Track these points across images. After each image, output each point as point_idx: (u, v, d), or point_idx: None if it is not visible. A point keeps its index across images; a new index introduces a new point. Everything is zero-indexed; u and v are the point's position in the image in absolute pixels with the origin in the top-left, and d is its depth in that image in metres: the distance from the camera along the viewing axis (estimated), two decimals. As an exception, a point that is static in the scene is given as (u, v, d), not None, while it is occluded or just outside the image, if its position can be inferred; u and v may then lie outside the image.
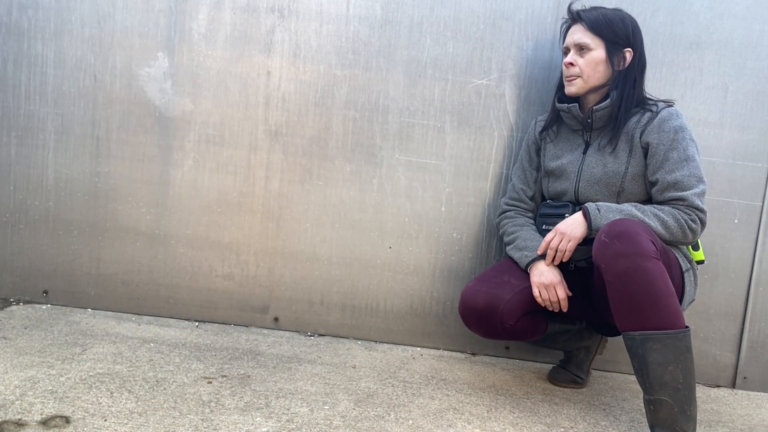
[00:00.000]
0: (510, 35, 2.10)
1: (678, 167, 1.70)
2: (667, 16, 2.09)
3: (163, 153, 2.15)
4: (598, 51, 1.79)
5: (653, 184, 1.75)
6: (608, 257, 1.53)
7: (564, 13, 2.05)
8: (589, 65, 1.79)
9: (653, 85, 2.07)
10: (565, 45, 1.86)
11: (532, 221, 1.99)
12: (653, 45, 2.08)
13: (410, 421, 1.57)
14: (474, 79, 2.12)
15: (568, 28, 1.87)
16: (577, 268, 1.89)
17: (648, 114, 1.78)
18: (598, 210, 1.68)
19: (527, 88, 2.12)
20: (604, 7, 1.82)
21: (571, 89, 1.82)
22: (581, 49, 1.80)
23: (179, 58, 2.11)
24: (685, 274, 1.73)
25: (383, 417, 1.58)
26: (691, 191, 1.68)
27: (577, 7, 1.86)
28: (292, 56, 2.12)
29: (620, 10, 1.82)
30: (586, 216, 1.69)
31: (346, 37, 2.11)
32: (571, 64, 1.81)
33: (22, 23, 2.09)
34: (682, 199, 1.68)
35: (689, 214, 1.68)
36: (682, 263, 1.73)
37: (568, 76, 1.83)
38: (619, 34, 1.79)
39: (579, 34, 1.80)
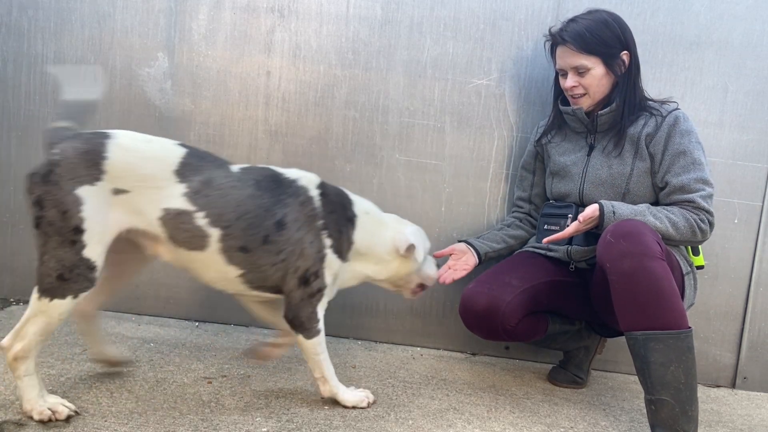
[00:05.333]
0: (510, 35, 2.10)
1: (685, 171, 1.71)
2: (667, 16, 2.09)
3: (163, 153, 2.14)
4: (596, 68, 1.76)
5: (662, 188, 1.75)
6: (613, 256, 1.53)
7: (564, 14, 2.05)
8: (592, 83, 1.77)
9: (653, 86, 2.06)
10: (558, 67, 1.83)
11: (512, 221, 2.05)
12: (653, 45, 2.08)
13: (410, 421, 1.57)
14: (474, 79, 2.12)
15: (552, 46, 1.84)
16: (576, 269, 1.89)
17: (654, 119, 1.78)
18: (614, 213, 1.65)
19: (527, 88, 2.12)
20: (581, 18, 1.77)
21: (582, 105, 1.81)
22: (579, 71, 1.77)
23: (179, 58, 2.11)
24: (686, 277, 1.73)
25: (383, 417, 1.58)
26: (698, 194, 1.69)
27: (557, 27, 1.81)
28: (292, 56, 2.11)
29: (598, 12, 1.78)
30: (601, 216, 1.66)
31: (346, 37, 2.11)
32: (574, 86, 1.79)
33: (22, 23, 2.09)
34: (689, 201, 1.69)
35: (698, 215, 1.68)
36: (683, 266, 1.73)
37: (573, 96, 1.81)
38: (612, 43, 1.75)
39: (571, 58, 1.76)
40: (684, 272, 1.73)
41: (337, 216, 1.53)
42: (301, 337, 1.54)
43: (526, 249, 1.98)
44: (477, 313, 1.77)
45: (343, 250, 1.54)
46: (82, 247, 1.28)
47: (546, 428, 1.63)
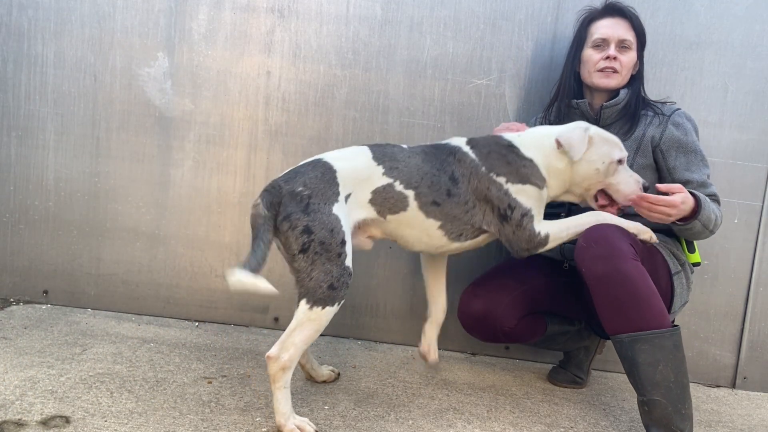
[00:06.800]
0: (510, 35, 2.10)
1: (699, 168, 1.76)
2: (667, 16, 2.09)
3: (163, 153, 2.15)
4: (634, 51, 1.81)
5: (684, 184, 1.71)
6: (587, 261, 1.54)
7: (564, 14, 2.06)
8: (629, 63, 1.81)
9: (653, 86, 2.06)
10: (602, 37, 1.80)
11: None
12: (653, 45, 2.08)
13: (410, 421, 1.57)
14: (474, 79, 2.12)
15: (593, 20, 1.83)
16: (571, 267, 1.89)
17: (657, 117, 1.80)
18: (702, 207, 1.63)
19: (527, 88, 2.12)
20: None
21: (610, 82, 1.80)
22: (623, 46, 1.80)
23: (179, 58, 2.11)
24: (675, 277, 1.72)
25: (383, 417, 1.59)
26: (713, 188, 1.76)
27: (608, 2, 1.84)
28: (292, 56, 2.11)
29: None
30: (698, 207, 1.62)
31: (346, 37, 2.11)
32: (615, 57, 1.78)
33: (22, 23, 2.09)
34: (712, 194, 1.74)
35: (719, 208, 1.74)
36: (671, 265, 1.72)
37: (606, 68, 1.79)
38: (644, 34, 1.83)
39: (623, 30, 1.80)
40: (672, 271, 1.72)
41: (495, 154, 1.62)
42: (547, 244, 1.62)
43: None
44: (474, 316, 1.78)
45: (526, 174, 1.61)
46: (345, 257, 1.44)
47: (546, 428, 1.63)
